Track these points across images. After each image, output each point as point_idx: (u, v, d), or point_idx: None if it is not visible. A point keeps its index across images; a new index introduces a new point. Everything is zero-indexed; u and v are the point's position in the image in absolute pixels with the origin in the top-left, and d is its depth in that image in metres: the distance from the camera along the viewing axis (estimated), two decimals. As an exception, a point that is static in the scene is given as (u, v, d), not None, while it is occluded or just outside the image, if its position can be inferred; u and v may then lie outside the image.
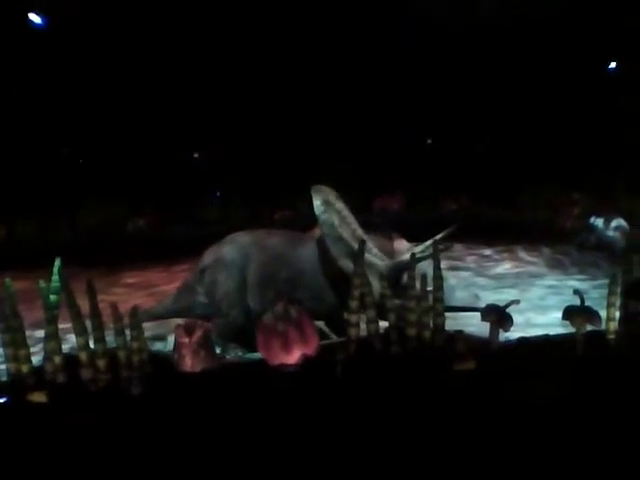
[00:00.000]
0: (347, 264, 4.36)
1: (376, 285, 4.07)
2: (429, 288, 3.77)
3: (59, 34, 10.09)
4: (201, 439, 3.07)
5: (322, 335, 4.33)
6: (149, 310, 5.22)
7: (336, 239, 4.42)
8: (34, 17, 9.69)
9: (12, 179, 10.39)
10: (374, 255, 4.46)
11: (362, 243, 3.84)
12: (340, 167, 10.82)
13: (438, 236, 4.40)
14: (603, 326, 3.70)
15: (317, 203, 4.47)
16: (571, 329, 3.67)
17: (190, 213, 10.97)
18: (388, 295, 3.80)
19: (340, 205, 4.59)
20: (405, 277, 4.39)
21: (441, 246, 4.13)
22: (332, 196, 4.59)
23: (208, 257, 4.87)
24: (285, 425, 3.14)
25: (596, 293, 5.14)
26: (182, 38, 10.45)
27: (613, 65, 11.47)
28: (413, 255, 3.93)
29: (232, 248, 4.78)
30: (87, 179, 11.15)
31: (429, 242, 4.42)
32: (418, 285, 3.74)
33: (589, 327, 3.64)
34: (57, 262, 3.67)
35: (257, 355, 3.70)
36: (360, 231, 4.55)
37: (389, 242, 4.85)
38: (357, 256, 3.80)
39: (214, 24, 10.38)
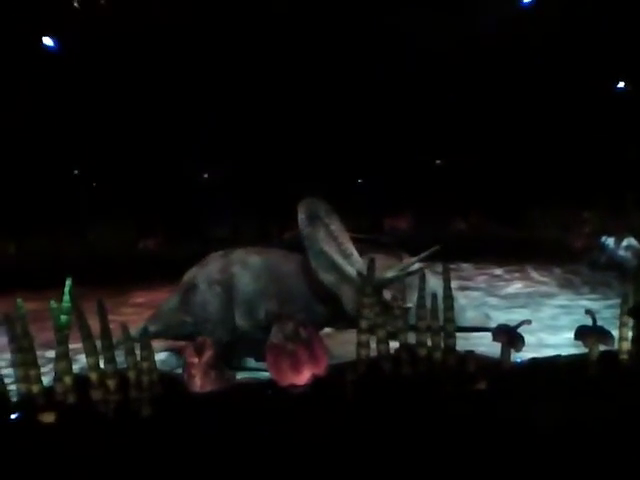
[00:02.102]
0: (327, 277, 4.37)
1: (352, 298, 4.17)
2: (409, 305, 3.78)
3: (73, 57, 10.26)
4: (210, 460, 3.05)
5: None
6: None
7: (318, 253, 4.41)
8: (48, 41, 9.88)
9: (23, 197, 10.49)
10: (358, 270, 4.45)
11: (371, 262, 3.84)
12: (350, 187, 10.87)
13: (422, 255, 4.41)
14: (616, 346, 3.68)
15: (302, 217, 4.49)
16: (583, 349, 3.64)
17: (199, 232, 11.01)
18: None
19: (330, 219, 4.55)
20: (386, 293, 4.39)
21: (422, 265, 4.19)
22: (322, 210, 4.56)
23: (191, 277, 4.77)
24: (295, 446, 3.12)
25: (608, 313, 5.08)
26: (193, 62, 10.58)
27: (622, 84, 11.49)
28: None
29: (217, 267, 4.71)
30: (98, 198, 11.24)
31: (414, 259, 4.44)
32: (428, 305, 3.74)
33: (602, 347, 3.62)
34: (68, 282, 3.69)
35: (266, 375, 3.69)
36: (349, 245, 4.51)
37: (398, 261, 4.86)
38: (367, 275, 3.83)
39: (226, 49, 10.52)
